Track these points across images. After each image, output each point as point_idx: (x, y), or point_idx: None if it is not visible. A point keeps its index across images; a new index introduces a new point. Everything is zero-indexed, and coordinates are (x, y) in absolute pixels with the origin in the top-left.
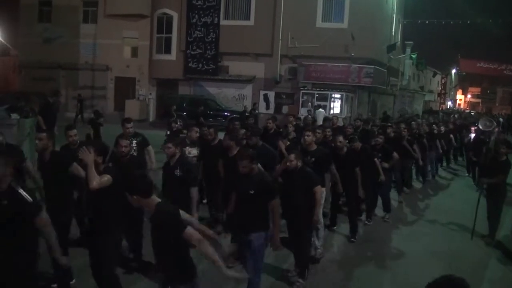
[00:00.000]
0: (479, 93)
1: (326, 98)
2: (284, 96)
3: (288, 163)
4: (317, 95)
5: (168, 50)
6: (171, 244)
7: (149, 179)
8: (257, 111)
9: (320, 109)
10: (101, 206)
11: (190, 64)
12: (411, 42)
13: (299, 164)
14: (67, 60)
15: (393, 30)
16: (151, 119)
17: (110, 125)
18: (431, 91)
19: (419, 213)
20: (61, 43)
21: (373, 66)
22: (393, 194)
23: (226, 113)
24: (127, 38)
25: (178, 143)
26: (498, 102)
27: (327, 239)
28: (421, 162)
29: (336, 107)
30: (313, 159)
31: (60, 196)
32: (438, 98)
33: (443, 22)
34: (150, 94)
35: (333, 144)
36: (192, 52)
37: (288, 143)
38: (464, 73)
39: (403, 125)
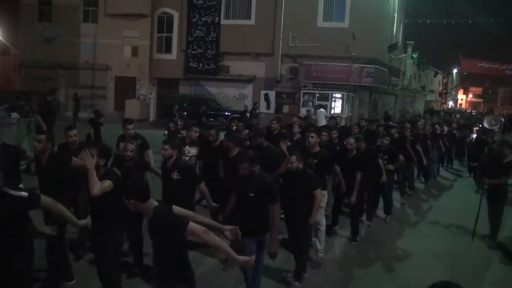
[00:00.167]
0: (481, 93)
1: (327, 98)
2: (285, 96)
3: (289, 165)
4: (318, 95)
5: (168, 50)
6: (172, 246)
7: (146, 183)
8: (257, 111)
9: (321, 109)
10: (102, 209)
11: (190, 64)
12: (412, 42)
13: (300, 165)
14: (67, 59)
15: (394, 29)
16: (151, 119)
17: (110, 124)
18: (432, 91)
19: (420, 214)
20: (61, 42)
21: (374, 65)
22: (395, 195)
23: (226, 113)
24: (127, 37)
25: (176, 146)
26: (500, 102)
27: (328, 239)
28: (425, 162)
29: (337, 107)
30: (316, 160)
31: (57, 199)
32: (440, 98)
33: (444, 22)
34: (151, 93)
35: (344, 143)
36: (193, 52)
37: (289, 143)
38: (465, 73)
39: (408, 125)
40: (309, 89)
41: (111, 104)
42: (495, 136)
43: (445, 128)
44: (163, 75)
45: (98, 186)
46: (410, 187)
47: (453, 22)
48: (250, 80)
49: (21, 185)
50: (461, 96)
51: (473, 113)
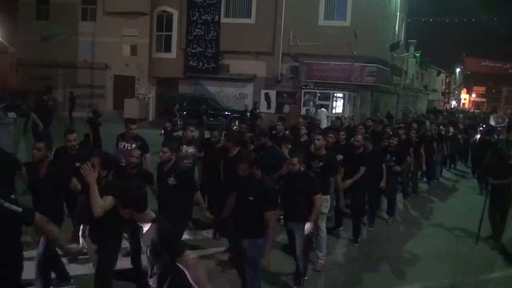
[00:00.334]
0: (484, 92)
1: (328, 97)
2: (285, 95)
3: (290, 167)
4: (319, 94)
5: (168, 48)
6: (161, 264)
7: (145, 191)
8: (258, 110)
9: (322, 109)
10: (101, 219)
11: (190, 63)
12: (414, 41)
13: (302, 168)
14: (66, 58)
15: (397, 28)
16: (150, 118)
17: (109, 124)
18: (435, 90)
19: (423, 215)
20: (59, 41)
21: (376, 64)
22: (398, 196)
23: (226, 113)
24: (126, 36)
25: (175, 149)
26: (503, 102)
27: (329, 240)
28: (424, 168)
29: (338, 106)
30: (321, 163)
31: (52, 210)
32: (442, 97)
33: (447, 21)
34: (150, 93)
35: (352, 140)
36: (192, 51)
37: (290, 146)
38: (468, 72)
39: (415, 125)
40: (310, 89)
41: (110, 103)
42: (500, 135)
43: (451, 129)
44: (163, 74)
45: (101, 205)
46: (414, 191)
47: (456, 20)
48: (251, 79)
49: (12, 196)
50: (464, 95)
51: (476, 113)
